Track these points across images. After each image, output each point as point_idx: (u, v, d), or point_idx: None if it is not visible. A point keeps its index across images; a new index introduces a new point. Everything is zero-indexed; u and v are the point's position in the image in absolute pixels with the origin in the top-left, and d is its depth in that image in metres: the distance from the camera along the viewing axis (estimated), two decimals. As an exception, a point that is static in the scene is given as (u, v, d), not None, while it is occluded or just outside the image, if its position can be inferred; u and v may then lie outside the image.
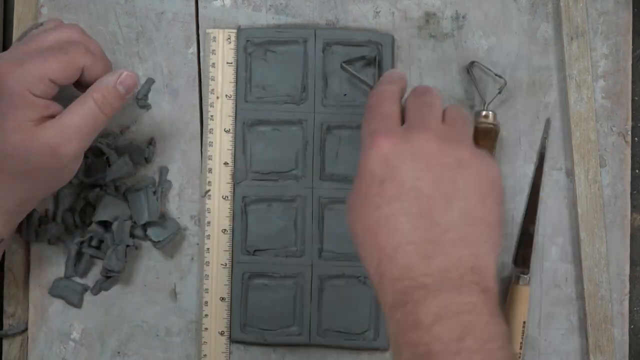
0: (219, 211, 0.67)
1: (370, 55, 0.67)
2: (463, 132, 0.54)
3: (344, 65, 0.65)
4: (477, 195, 0.51)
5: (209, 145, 0.67)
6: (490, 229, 0.51)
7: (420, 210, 0.49)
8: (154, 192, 0.66)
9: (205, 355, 0.67)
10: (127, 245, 0.66)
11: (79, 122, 0.57)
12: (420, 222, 0.49)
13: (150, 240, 0.67)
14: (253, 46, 0.68)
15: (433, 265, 0.49)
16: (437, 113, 0.54)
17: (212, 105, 0.68)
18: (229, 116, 0.68)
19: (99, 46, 0.61)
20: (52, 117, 0.57)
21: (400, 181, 0.50)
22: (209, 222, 0.67)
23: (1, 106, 0.56)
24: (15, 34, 0.68)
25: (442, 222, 0.49)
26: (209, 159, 0.67)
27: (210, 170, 0.67)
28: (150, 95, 0.68)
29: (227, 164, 0.67)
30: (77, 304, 0.67)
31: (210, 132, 0.67)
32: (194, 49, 0.68)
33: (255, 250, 0.67)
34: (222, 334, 0.67)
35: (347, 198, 0.53)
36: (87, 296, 0.67)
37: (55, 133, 0.57)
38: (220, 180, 0.67)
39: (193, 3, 0.68)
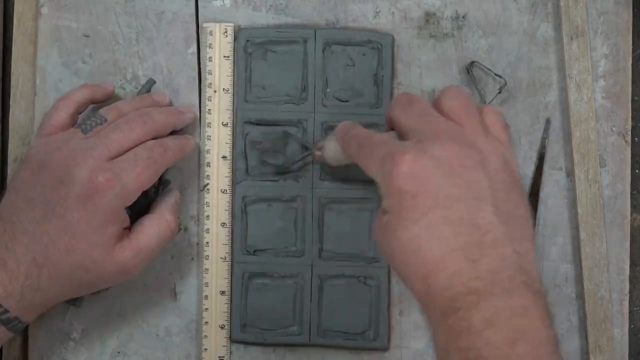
0: (217, 205, 0.67)
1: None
2: (470, 120, 0.53)
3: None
4: (503, 191, 0.50)
5: (207, 139, 0.68)
6: (523, 224, 0.50)
7: (458, 215, 0.49)
8: (154, 192, 0.66)
9: (206, 349, 0.67)
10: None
11: (153, 245, 0.60)
12: (460, 228, 0.49)
13: (150, 240, 0.67)
14: (253, 46, 0.68)
15: (481, 268, 0.48)
16: (435, 115, 0.53)
17: (209, 99, 0.68)
18: (227, 110, 0.68)
19: (161, 116, 0.63)
20: (125, 229, 0.59)
21: (433, 191, 0.49)
22: (207, 216, 0.67)
23: (93, 220, 0.56)
24: (16, 33, 0.67)
25: (480, 223, 0.49)
26: (207, 153, 0.67)
27: (208, 164, 0.67)
28: (150, 95, 0.68)
29: (226, 157, 0.68)
30: (77, 304, 0.67)
31: (208, 126, 0.68)
32: (194, 48, 0.68)
33: (255, 250, 0.67)
34: (222, 327, 0.67)
35: (376, 222, 0.52)
36: (87, 296, 0.67)
37: (132, 255, 0.58)
38: (218, 174, 0.68)
39: (193, 3, 0.68)
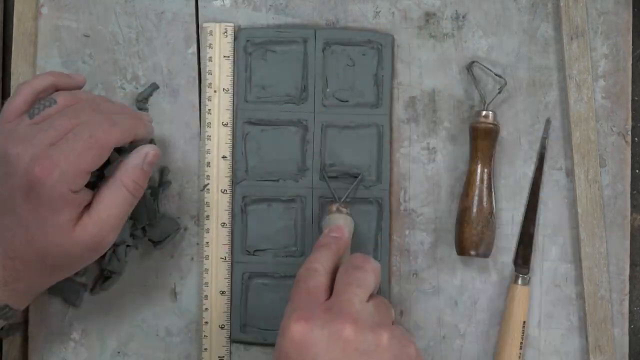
0: (217, 205, 0.67)
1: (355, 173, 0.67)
2: (385, 314, 0.55)
3: (324, 176, 0.67)
4: None
5: (207, 139, 0.68)
6: None
7: None
8: (154, 192, 0.66)
9: (206, 349, 0.67)
10: (127, 245, 0.66)
11: (116, 213, 0.57)
12: None
13: (150, 240, 0.67)
14: (253, 46, 0.68)
15: None
16: (364, 294, 0.54)
17: (209, 99, 0.68)
18: (227, 110, 0.68)
19: (110, 102, 0.61)
20: (86, 205, 0.57)
21: None
22: (207, 216, 0.67)
23: (40, 211, 0.55)
24: (16, 33, 0.68)
25: None
26: (207, 153, 0.67)
27: (208, 164, 0.67)
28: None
29: (226, 157, 0.68)
30: (77, 304, 0.67)
31: (208, 126, 0.68)
32: (193, 48, 0.68)
33: (255, 250, 0.67)
34: (222, 327, 0.67)
35: None
36: (87, 296, 0.67)
37: (96, 229, 0.56)
38: (218, 174, 0.68)
39: (193, 3, 0.68)
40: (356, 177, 0.66)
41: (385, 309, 0.55)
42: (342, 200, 0.65)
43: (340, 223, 0.62)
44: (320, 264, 0.56)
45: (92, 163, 0.56)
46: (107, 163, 0.58)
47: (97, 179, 0.59)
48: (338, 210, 0.63)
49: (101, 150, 0.56)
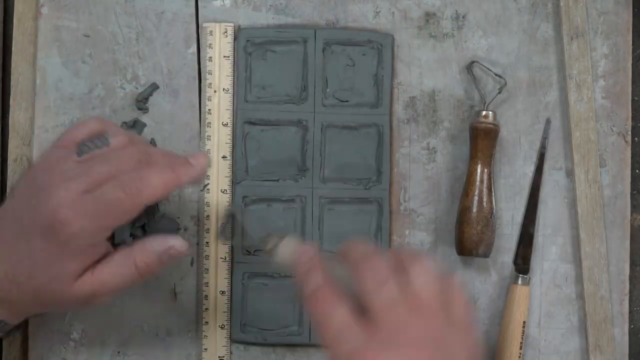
0: (217, 205, 0.67)
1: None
2: (438, 311, 0.50)
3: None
4: None
5: (207, 139, 0.68)
6: None
7: None
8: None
9: (206, 349, 0.67)
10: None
11: (117, 283, 0.56)
12: None
13: (150, 240, 0.67)
14: (253, 46, 0.68)
15: None
16: (405, 301, 0.49)
17: (209, 99, 0.68)
18: (227, 110, 0.68)
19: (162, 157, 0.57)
20: (96, 261, 0.56)
21: None
22: (207, 216, 0.67)
23: (52, 252, 0.54)
24: (16, 33, 0.68)
25: None
26: (207, 153, 0.67)
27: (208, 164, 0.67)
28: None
29: (226, 157, 0.68)
30: (77, 304, 0.67)
31: (208, 126, 0.68)
32: (194, 49, 0.68)
33: (255, 250, 0.67)
34: (222, 327, 0.67)
35: None
36: (87, 296, 0.67)
37: (92, 289, 0.56)
38: (218, 174, 0.68)
39: (193, 3, 0.68)
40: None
41: (437, 302, 0.50)
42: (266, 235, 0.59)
43: (292, 247, 0.56)
44: (324, 292, 0.51)
45: (118, 221, 0.55)
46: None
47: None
48: (280, 237, 0.56)
49: (131, 210, 0.54)
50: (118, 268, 0.56)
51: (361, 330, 0.49)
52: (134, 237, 0.66)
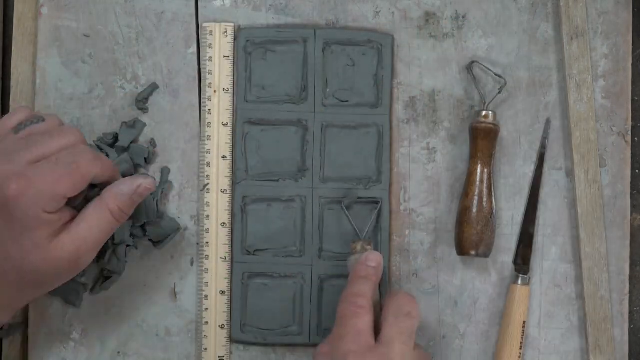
0: (217, 205, 0.67)
1: (374, 199, 0.67)
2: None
3: (342, 206, 0.66)
4: None
5: (207, 139, 0.68)
6: None
7: None
8: (154, 192, 0.66)
9: (206, 349, 0.67)
10: (127, 245, 0.66)
11: (96, 234, 0.57)
12: None
13: (150, 240, 0.67)
14: (253, 46, 0.68)
15: None
16: (412, 342, 0.58)
17: (209, 99, 0.68)
18: (227, 110, 0.68)
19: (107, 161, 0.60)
20: (66, 223, 0.56)
21: None
22: (207, 216, 0.67)
23: (15, 227, 0.54)
24: (16, 33, 0.68)
25: None
26: (207, 153, 0.67)
27: (208, 164, 0.67)
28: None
29: (226, 157, 0.68)
30: (77, 304, 0.67)
31: (208, 126, 0.68)
32: (194, 49, 0.68)
33: (255, 250, 0.67)
34: (222, 327, 0.67)
35: None
36: (87, 296, 0.67)
37: (74, 247, 0.56)
38: (218, 174, 0.68)
39: (193, 3, 0.68)
40: (376, 203, 0.66)
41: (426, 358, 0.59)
42: (364, 236, 0.65)
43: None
44: (364, 298, 0.58)
45: (69, 189, 0.55)
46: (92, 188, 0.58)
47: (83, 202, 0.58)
48: (363, 249, 0.63)
49: (81, 178, 0.56)
50: (93, 220, 0.57)
51: (370, 340, 0.57)
52: (134, 236, 0.66)
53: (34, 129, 0.57)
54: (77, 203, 0.58)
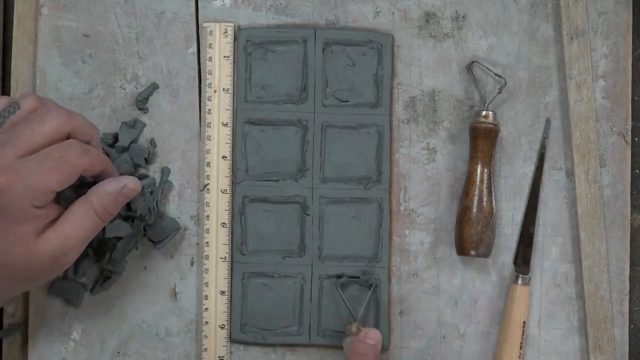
0: (217, 205, 0.67)
1: (368, 279, 0.67)
2: None
3: (337, 287, 0.66)
4: None
5: (207, 139, 0.68)
6: None
7: None
8: (152, 192, 0.66)
9: (206, 349, 0.67)
10: (123, 239, 0.65)
11: (80, 233, 0.57)
12: None
13: (150, 240, 0.67)
14: (253, 46, 0.68)
15: None
16: None
17: (209, 99, 0.68)
18: (227, 110, 0.68)
19: (84, 121, 0.58)
20: (52, 221, 0.56)
21: None
22: (207, 216, 0.67)
23: (1, 220, 0.54)
24: (16, 33, 0.68)
25: None
26: (207, 153, 0.67)
27: (208, 164, 0.67)
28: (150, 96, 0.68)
29: (226, 157, 0.68)
30: (77, 304, 0.67)
31: (208, 126, 0.68)
32: (194, 49, 0.68)
33: (255, 250, 0.67)
34: (222, 327, 0.67)
35: None
36: (87, 296, 0.67)
37: (58, 245, 0.56)
38: (218, 174, 0.68)
39: (193, 3, 0.68)
40: (371, 286, 0.66)
41: None
42: (358, 318, 0.65)
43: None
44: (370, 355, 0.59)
45: (58, 183, 0.55)
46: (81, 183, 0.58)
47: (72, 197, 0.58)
48: (358, 330, 0.63)
49: (69, 173, 0.56)
50: (78, 218, 0.57)
51: None
52: (132, 222, 0.66)
53: (13, 119, 0.57)
54: (67, 199, 0.58)
